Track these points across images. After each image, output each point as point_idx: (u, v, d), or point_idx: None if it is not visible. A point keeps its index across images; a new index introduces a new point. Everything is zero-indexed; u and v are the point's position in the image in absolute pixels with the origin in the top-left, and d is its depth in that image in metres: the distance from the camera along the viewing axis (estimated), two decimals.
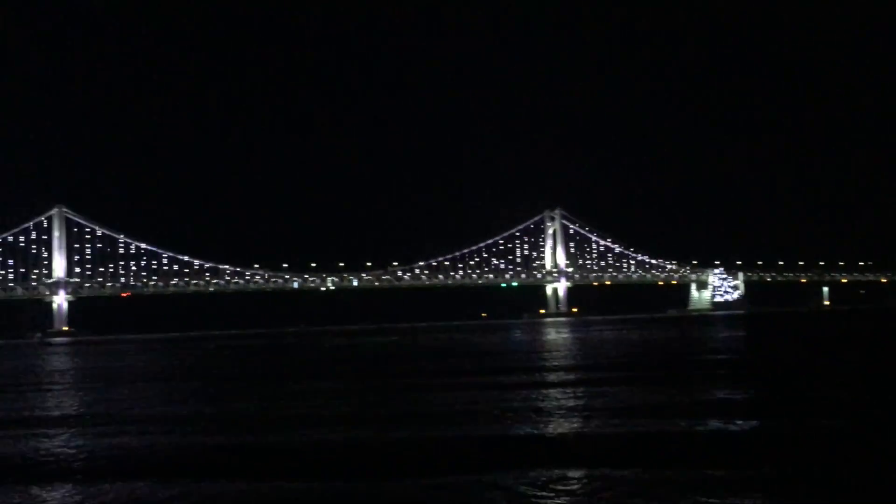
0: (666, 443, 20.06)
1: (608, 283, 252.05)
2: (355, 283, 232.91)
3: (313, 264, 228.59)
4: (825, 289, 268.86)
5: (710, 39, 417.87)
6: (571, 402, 28.57)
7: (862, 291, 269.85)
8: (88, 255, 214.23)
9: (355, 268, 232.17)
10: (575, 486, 15.59)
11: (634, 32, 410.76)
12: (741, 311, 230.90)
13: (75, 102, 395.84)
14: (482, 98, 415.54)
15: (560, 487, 15.53)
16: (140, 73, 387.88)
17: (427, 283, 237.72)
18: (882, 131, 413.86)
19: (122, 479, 17.80)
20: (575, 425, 23.63)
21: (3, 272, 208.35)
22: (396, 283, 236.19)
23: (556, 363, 51.52)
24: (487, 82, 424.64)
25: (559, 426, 23.54)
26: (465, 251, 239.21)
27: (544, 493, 15.02)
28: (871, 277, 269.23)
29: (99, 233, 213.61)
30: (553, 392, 32.12)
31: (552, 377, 40.35)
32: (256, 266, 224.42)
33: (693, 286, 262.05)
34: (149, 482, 17.35)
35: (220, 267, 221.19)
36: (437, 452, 19.86)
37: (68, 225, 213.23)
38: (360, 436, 22.57)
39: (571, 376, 39.97)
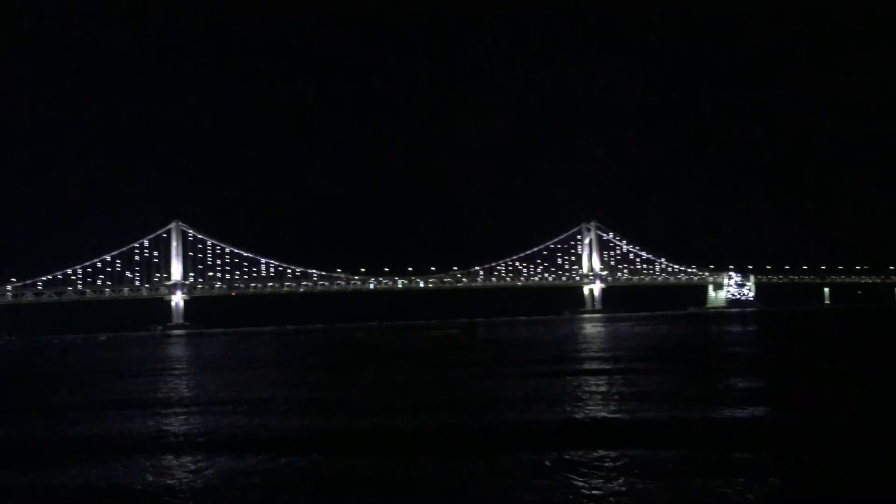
0: (693, 427, 19.28)
1: (636, 284, 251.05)
2: (422, 284, 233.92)
3: (386, 269, 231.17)
4: (826, 290, 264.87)
5: (713, 52, 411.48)
6: (611, 389, 27.59)
7: (859, 292, 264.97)
8: (200, 261, 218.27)
9: (422, 272, 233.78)
10: (610, 465, 14.98)
11: (636, 45, 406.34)
12: (752, 309, 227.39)
13: (190, 132, 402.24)
14: (529, 123, 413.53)
15: (600, 465, 14.99)
16: (241, 100, 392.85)
17: (482, 284, 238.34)
18: (878, 147, 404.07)
19: (233, 452, 17.40)
20: (613, 410, 22.58)
21: (131, 276, 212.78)
22: (456, 284, 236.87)
23: (595, 354, 50.90)
24: (537, 107, 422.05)
25: (604, 410, 22.53)
26: (515, 257, 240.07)
27: (587, 471, 14.54)
28: (866, 280, 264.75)
29: (209, 243, 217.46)
30: (595, 379, 31.23)
31: (594, 366, 39.58)
32: (339, 270, 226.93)
33: (710, 287, 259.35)
34: (258, 456, 16.91)
35: (309, 271, 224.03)
36: (503, 436, 18.87)
37: (184, 236, 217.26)
38: (431, 421, 21.62)
39: (609, 366, 39.04)
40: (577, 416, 21.30)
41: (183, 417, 24.22)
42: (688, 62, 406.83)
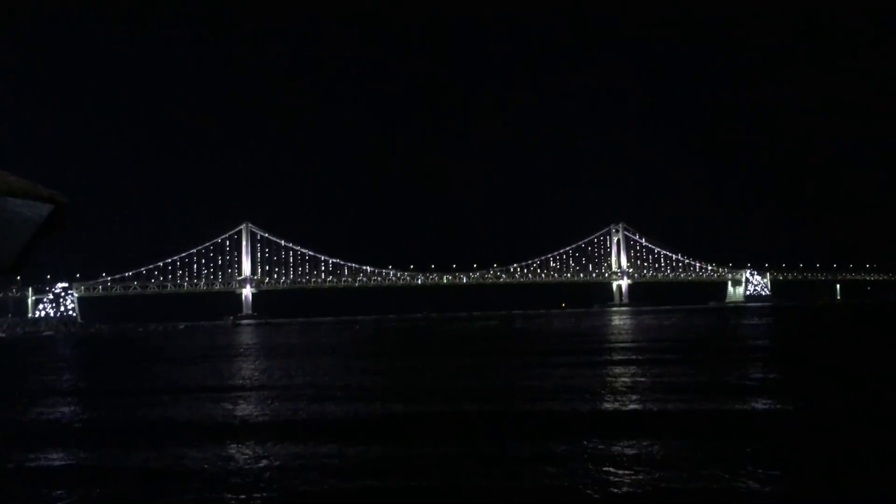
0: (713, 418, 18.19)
1: (660, 280, 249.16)
2: (465, 280, 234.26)
3: (433, 265, 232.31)
4: (837, 286, 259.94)
5: (733, 55, 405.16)
6: (635, 379, 26.56)
7: (868, 288, 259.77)
8: (267, 258, 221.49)
9: (464, 268, 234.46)
10: (626, 453, 14.13)
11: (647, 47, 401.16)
12: (768, 304, 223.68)
13: (254, 138, 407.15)
14: (564, 132, 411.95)
15: (616, 454, 14.29)
16: (294, 106, 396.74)
17: (520, 280, 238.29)
18: (885, 147, 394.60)
19: (297, 440, 16.60)
20: (635, 400, 21.46)
21: (207, 271, 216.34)
22: (496, 280, 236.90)
23: (622, 345, 50.02)
24: (570, 115, 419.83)
25: (627, 400, 21.40)
26: (549, 255, 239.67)
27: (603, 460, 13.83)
28: (875, 277, 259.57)
29: (276, 241, 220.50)
30: (622, 369, 30.40)
31: (621, 356, 38.76)
32: (390, 267, 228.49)
33: (729, 283, 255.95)
34: (314, 441, 16.28)
35: (364, 268, 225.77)
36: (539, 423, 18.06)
37: (252, 236, 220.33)
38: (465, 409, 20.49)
39: (634, 356, 38.02)
40: (600, 406, 20.46)
41: (249, 403, 23.96)
42: (708, 66, 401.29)
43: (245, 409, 22.36)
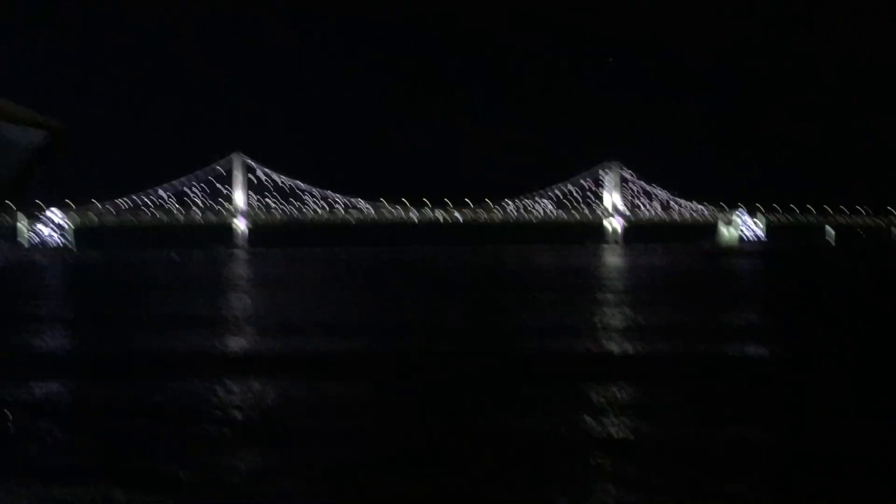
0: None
1: (653, 220, 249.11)
2: (457, 215, 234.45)
3: (425, 200, 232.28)
4: (830, 229, 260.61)
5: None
6: (618, 322, 26.26)
7: (860, 232, 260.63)
8: (260, 189, 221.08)
9: (456, 203, 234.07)
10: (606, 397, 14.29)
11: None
12: (760, 247, 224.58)
13: (245, 71, 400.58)
14: (557, 69, 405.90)
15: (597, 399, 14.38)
16: (292, 45, 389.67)
17: (512, 217, 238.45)
18: (882, 90, 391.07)
19: (299, 376, 16.41)
20: (618, 341, 21.58)
21: (199, 201, 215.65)
22: (488, 215, 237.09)
23: (611, 285, 50.09)
24: (563, 52, 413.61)
25: (610, 342, 21.38)
26: (542, 191, 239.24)
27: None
28: (868, 221, 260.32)
29: (267, 172, 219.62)
30: (609, 310, 30.30)
31: (609, 296, 38.54)
32: (382, 200, 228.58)
33: (720, 224, 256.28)
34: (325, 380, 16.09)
35: (355, 199, 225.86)
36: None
37: (245, 167, 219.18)
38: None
39: (620, 297, 37.44)
40: (585, 346, 20.27)
41: (230, 336, 23.77)
42: (700, 7, 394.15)
43: (228, 342, 22.53)
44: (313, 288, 45.71)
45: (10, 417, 12.16)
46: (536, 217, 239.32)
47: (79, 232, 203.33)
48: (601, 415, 12.37)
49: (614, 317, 27.22)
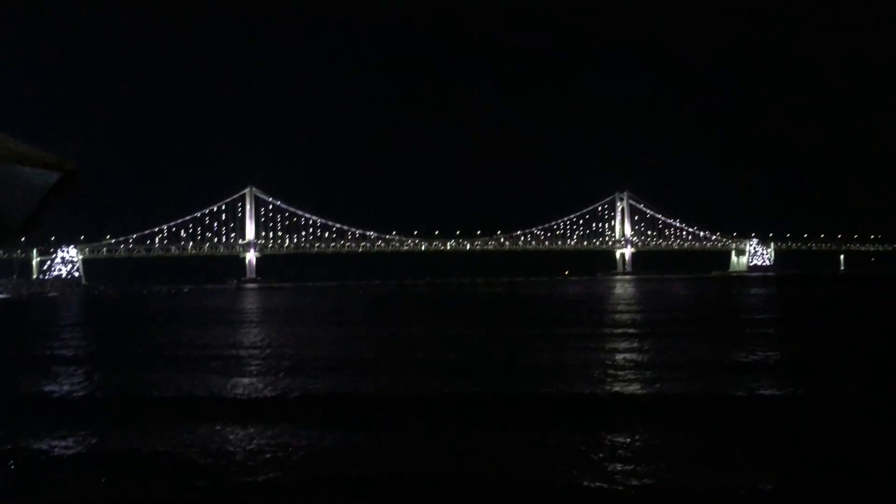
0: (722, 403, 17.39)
1: (664, 249, 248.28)
2: (468, 246, 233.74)
3: (436, 231, 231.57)
4: (841, 256, 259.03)
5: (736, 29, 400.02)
6: (634, 356, 24.67)
7: (872, 259, 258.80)
8: (271, 222, 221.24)
9: (469, 234, 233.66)
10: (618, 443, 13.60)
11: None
12: (771, 273, 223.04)
13: (262, 104, 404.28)
14: (572, 102, 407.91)
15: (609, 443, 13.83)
16: (310, 77, 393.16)
17: (524, 247, 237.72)
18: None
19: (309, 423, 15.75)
20: (632, 380, 20.05)
21: (210, 235, 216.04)
22: (500, 246, 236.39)
23: (623, 317, 47.84)
24: (578, 87, 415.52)
25: (624, 382, 19.84)
26: (554, 223, 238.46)
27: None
28: (879, 248, 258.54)
29: (279, 206, 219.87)
30: (623, 344, 28.92)
31: (620, 330, 37.01)
32: (394, 232, 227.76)
33: (733, 252, 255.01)
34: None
35: (368, 233, 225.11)
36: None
37: (256, 200, 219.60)
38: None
39: (634, 329, 35.64)
40: (600, 387, 18.63)
41: (241, 375, 22.97)
42: (710, 41, 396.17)
43: (236, 382, 21.39)
44: (326, 322, 44.75)
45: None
46: (548, 248, 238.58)
47: (88, 265, 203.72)
48: (621, 462, 11.48)
49: (629, 354, 25.45)
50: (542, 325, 37.10)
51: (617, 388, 18.23)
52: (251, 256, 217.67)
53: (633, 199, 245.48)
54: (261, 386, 19.98)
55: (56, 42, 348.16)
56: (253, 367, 23.63)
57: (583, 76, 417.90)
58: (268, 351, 28.30)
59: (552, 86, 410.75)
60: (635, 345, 27.40)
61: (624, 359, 23.53)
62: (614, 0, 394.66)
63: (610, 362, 22.70)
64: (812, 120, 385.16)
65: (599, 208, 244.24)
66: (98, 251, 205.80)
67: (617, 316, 44.69)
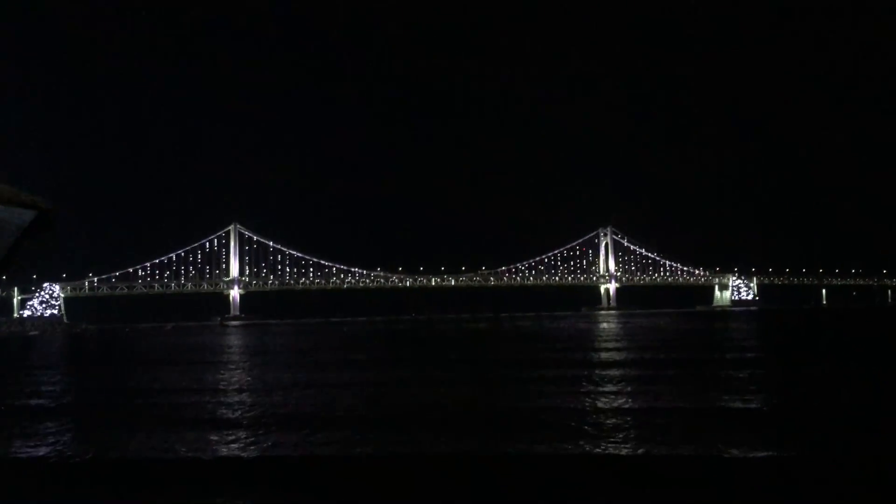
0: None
1: (648, 284, 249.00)
2: (453, 282, 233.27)
3: (421, 268, 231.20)
4: (823, 290, 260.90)
5: (716, 64, 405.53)
6: (617, 403, 22.37)
7: (854, 293, 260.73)
8: (256, 259, 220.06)
9: (453, 271, 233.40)
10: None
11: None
12: (754, 308, 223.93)
13: (247, 141, 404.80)
14: (555, 139, 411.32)
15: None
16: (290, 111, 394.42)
17: (508, 283, 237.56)
18: (871, 156, 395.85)
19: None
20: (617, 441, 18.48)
21: (194, 271, 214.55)
22: (485, 282, 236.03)
23: (608, 358, 45.50)
24: (559, 124, 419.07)
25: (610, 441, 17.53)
26: (538, 258, 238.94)
27: None
28: (861, 282, 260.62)
29: (264, 243, 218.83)
30: (607, 390, 26.84)
31: (608, 373, 34.48)
32: (378, 269, 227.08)
33: (716, 287, 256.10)
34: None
35: (352, 269, 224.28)
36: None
37: (241, 237, 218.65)
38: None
39: (619, 371, 33.23)
40: (582, 448, 16.14)
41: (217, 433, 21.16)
42: (695, 71, 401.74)
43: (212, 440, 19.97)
44: (311, 365, 43.78)
45: None
46: (532, 283, 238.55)
47: (70, 303, 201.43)
48: None
49: (607, 401, 23.09)
50: (517, 367, 35.48)
51: (585, 445, 15.96)
52: (235, 293, 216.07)
53: (617, 235, 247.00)
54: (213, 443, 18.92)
55: (35, 77, 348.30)
56: (217, 419, 22.11)
57: (566, 113, 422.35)
58: (233, 397, 27.42)
59: (536, 122, 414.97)
60: (611, 389, 26.09)
61: (594, 406, 21.80)
62: (597, 35, 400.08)
63: (581, 409, 21.11)
64: (793, 155, 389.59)
65: (583, 244, 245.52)
66: (80, 289, 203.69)
67: (597, 354, 43.68)
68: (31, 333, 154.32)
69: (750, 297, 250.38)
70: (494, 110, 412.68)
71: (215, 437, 18.43)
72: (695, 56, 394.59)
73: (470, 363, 35.64)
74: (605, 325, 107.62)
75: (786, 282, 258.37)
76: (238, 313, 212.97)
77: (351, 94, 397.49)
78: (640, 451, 15.20)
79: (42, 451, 17.24)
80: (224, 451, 16.81)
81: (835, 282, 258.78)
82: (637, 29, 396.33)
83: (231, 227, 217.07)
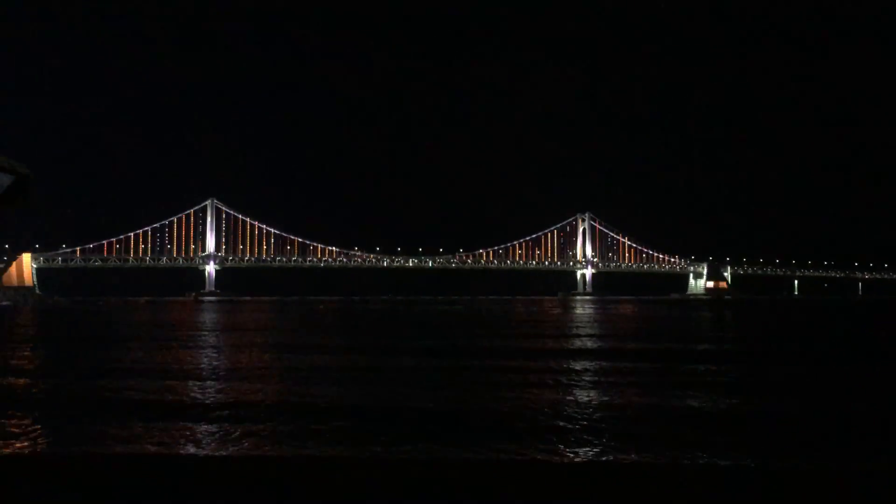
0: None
1: (624, 271, 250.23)
2: (430, 264, 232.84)
3: (399, 248, 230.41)
4: (795, 281, 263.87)
5: (700, 57, 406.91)
6: (591, 399, 20.60)
7: (825, 284, 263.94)
8: (232, 235, 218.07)
9: (430, 252, 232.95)
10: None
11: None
12: (728, 297, 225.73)
13: (224, 115, 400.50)
14: (536, 125, 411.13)
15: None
16: (268, 87, 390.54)
17: (485, 266, 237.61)
18: (849, 150, 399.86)
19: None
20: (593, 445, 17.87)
21: (170, 246, 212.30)
22: (462, 265, 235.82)
23: (583, 345, 43.48)
24: (543, 111, 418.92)
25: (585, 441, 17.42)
26: (516, 242, 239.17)
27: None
28: (833, 274, 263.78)
29: (241, 219, 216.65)
30: (579, 380, 25.30)
31: (579, 362, 34.57)
32: (356, 248, 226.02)
33: (691, 275, 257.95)
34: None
35: (329, 248, 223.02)
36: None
37: (217, 212, 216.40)
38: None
39: (592, 361, 31.19)
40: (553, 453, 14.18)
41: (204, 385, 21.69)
42: (673, 69, 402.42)
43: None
44: (288, 345, 42.96)
45: None
46: (509, 267, 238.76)
47: (42, 274, 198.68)
48: None
49: (581, 396, 21.29)
50: (489, 356, 33.84)
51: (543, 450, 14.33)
52: (211, 269, 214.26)
53: (595, 221, 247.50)
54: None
55: (18, 47, 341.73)
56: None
57: (546, 97, 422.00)
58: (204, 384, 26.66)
59: (516, 106, 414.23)
60: (579, 382, 25.04)
61: (559, 401, 20.71)
62: (579, 23, 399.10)
63: (541, 406, 19.96)
64: (770, 148, 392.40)
65: (560, 230, 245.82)
66: (52, 260, 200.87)
67: (567, 342, 42.73)
68: (3, 304, 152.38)
69: (723, 285, 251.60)
70: (476, 95, 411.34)
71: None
72: (670, 46, 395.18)
73: (441, 354, 34.05)
74: (580, 310, 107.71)
75: (759, 272, 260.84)
76: (213, 289, 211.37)
77: (331, 75, 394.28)
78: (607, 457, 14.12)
79: None
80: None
81: (807, 273, 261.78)
82: (612, 18, 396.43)
83: (208, 203, 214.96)
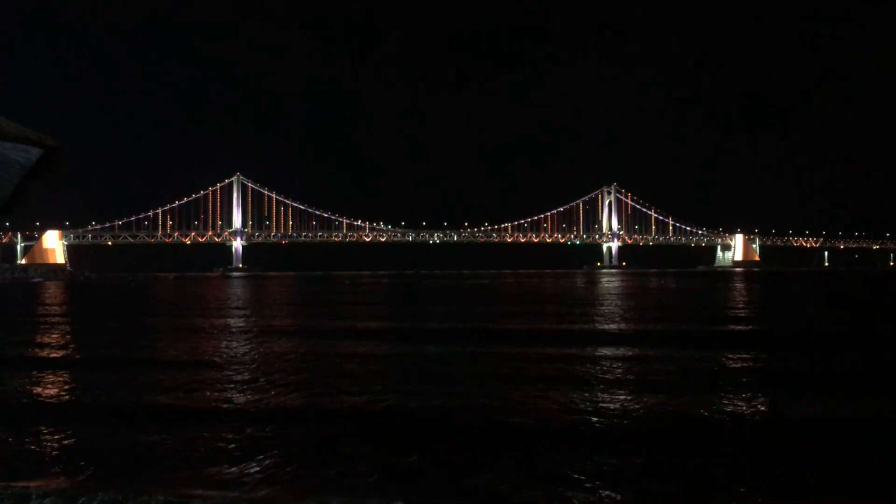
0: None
1: (651, 244, 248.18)
2: (455, 238, 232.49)
3: (424, 223, 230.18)
4: (825, 253, 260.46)
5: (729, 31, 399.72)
6: (615, 374, 18.30)
7: (856, 255, 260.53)
8: (258, 211, 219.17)
9: (455, 226, 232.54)
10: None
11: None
12: (756, 269, 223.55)
13: (251, 94, 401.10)
14: (562, 97, 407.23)
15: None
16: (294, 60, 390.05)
17: (511, 239, 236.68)
18: (877, 119, 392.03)
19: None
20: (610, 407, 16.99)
21: (197, 222, 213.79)
22: (488, 238, 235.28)
23: (606, 325, 41.57)
24: (569, 83, 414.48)
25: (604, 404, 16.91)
26: (542, 215, 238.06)
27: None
28: (863, 245, 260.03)
29: (265, 194, 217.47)
30: (603, 360, 22.58)
31: (606, 340, 32.08)
32: (381, 223, 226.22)
33: (718, 247, 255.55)
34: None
35: (356, 223, 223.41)
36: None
37: (243, 188, 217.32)
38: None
39: (618, 339, 28.09)
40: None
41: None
42: (705, 41, 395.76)
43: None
44: (315, 315, 42.61)
45: None
46: (535, 241, 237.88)
47: (73, 251, 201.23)
48: None
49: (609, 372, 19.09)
50: (512, 342, 30.82)
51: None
52: (238, 245, 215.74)
53: (621, 193, 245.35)
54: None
55: (47, 28, 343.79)
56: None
57: (573, 71, 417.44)
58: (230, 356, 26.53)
59: (542, 80, 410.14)
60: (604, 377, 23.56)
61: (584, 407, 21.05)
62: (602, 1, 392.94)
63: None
64: (799, 118, 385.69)
65: (587, 203, 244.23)
66: (83, 237, 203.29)
67: (589, 325, 38.90)
68: (35, 280, 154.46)
69: (752, 258, 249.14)
70: (502, 69, 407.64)
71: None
72: (706, 17, 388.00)
73: (465, 337, 31.60)
74: (607, 283, 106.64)
75: (788, 244, 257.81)
76: (240, 265, 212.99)
77: (356, 51, 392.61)
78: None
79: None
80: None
81: (836, 244, 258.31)
82: None
83: (234, 179, 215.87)
